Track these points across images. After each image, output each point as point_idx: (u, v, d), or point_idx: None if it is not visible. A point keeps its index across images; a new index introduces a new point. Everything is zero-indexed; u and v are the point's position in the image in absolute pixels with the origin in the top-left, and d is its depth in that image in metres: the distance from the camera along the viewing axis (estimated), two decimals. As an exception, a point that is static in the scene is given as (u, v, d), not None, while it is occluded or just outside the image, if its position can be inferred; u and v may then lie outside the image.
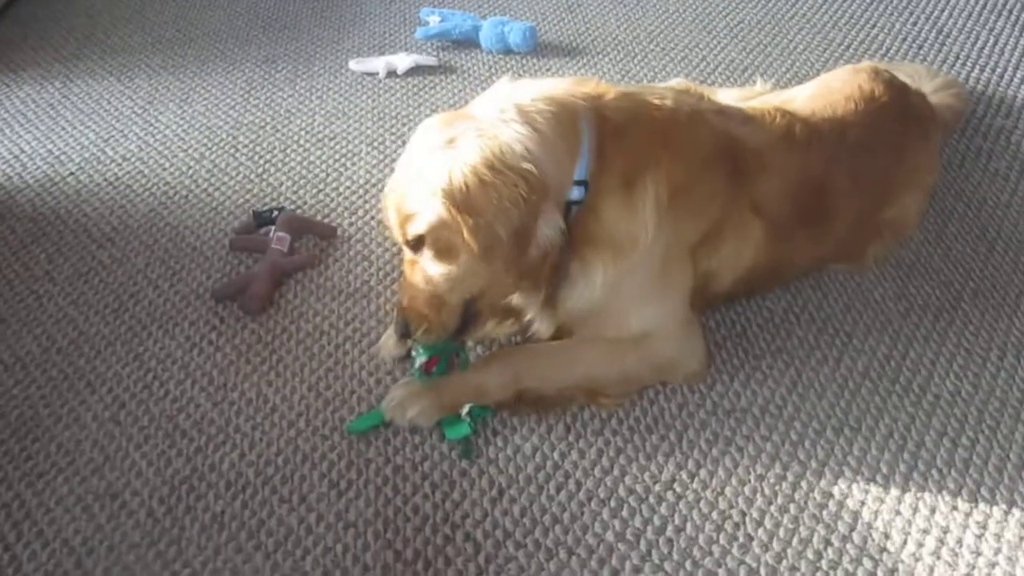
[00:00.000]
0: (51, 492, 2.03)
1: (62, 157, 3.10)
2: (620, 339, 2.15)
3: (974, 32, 3.62)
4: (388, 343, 2.30)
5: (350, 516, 1.96)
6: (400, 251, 2.32)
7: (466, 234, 1.89)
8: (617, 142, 2.01)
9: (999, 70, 3.38)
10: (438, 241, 1.96)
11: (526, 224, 1.91)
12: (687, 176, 2.08)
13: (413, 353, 2.21)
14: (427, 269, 2.01)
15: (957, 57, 3.47)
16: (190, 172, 3.01)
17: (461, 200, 1.88)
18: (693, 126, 2.13)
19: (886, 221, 2.48)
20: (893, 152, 2.44)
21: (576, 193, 2.00)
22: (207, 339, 2.39)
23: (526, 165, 1.89)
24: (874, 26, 3.70)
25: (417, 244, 1.99)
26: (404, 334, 2.08)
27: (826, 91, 2.53)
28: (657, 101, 2.12)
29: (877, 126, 2.42)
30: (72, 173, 3.02)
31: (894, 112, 2.49)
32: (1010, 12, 3.72)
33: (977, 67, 3.41)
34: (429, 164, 1.92)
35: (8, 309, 2.50)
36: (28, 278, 2.60)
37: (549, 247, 1.98)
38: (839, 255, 2.44)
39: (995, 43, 3.55)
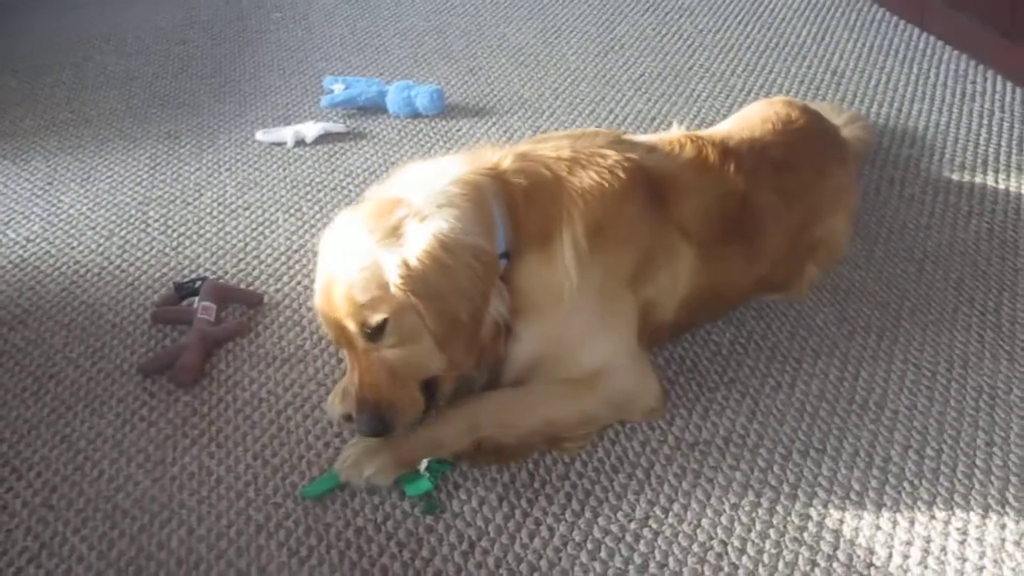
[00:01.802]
0: (-18, 587, 1.87)
1: (-41, 243, 2.95)
2: (575, 380, 2.11)
3: (867, 72, 3.72)
4: (334, 403, 2.20)
5: (315, 583, 1.85)
6: (338, 351, 2.29)
7: (428, 320, 1.90)
8: (526, 206, 2.05)
9: (896, 104, 3.48)
10: (400, 327, 1.93)
11: (482, 301, 1.95)
12: (602, 214, 2.08)
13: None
14: (388, 356, 1.96)
15: (855, 95, 3.56)
16: (100, 249, 2.88)
17: (421, 285, 1.87)
18: (597, 166, 2.14)
19: (816, 242, 2.50)
20: (815, 172, 2.49)
21: (503, 264, 2.02)
22: (138, 415, 2.26)
23: (477, 242, 1.92)
24: (771, 71, 3.78)
25: (376, 333, 1.93)
26: (384, 429, 1.99)
27: (743, 119, 2.65)
28: (553, 153, 2.15)
29: (796, 146, 2.48)
30: (-28, 258, 2.87)
31: (812, 135, 2.57)
32: (896, 52, 3.84)
33: (875, 103, 3.50)
34: (378, 254, 1.90)
35: (-87, 401, 2.33)
36: (-67, 367, 2.44)
37: (500, 320, 2.02)
38: (775, 277, 2.44)
39: (888, 81, 3.65)
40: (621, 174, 2.12)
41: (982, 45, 3.68)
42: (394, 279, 1.88)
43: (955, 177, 3.02)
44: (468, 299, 1.92)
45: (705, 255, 2.22)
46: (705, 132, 2.55)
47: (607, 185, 2.09)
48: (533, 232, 2.03)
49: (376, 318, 1.91)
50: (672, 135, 2.39)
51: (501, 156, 2.10)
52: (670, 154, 2.27)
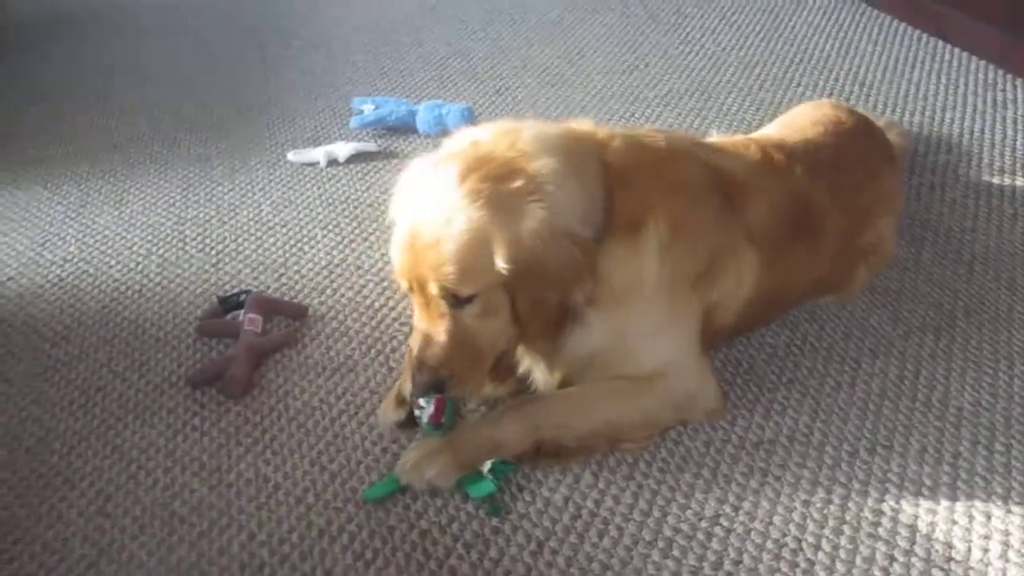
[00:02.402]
0: (42, 594, 1.84)
1: (-4, 264, 2.93)
2: (636, 380, 2.07)
3: (895, 83, 3.72)
4: (386, 411, 2.16)
5: (383, 586, 1.81)
6: (404, 299, 2.22)
7: (520, 300, 1.87)
8: (622, 190, 1.98)
9: (927, 113, 3.47)
10: (487, 302, 1.88)
11: (574, 288, 1.90)
12: (686, 213, 2.06)
13: (417, 412, 2.08)
14: (469, 325, 1.91)
15: (885, 105, 3.55)
16: (139, 268, 2.86)
17: (525, 268, 1.82)
18: (686, 164, 2.13)
19: (867, 245, 2.48)
20: (867, 173, 2.49)
21: None
22: (190, 425, 2.23)
23: (584, 231, 1.88)
24: (799, 85, 3.78)
25: (461, 302, 1.88)
26: (434, 390, 1.94)
27: (791, 122, 2.65)
28: (650, 144, 2.11)
29: (847, 148, 2.48)
30: (11, 278, 2.85)
31: (860, 136, 2.56)
32: (922, 63, 3.84)
33: (907, 112, 3.49)
34: (489, 227, 1.82)
35: (-38, 416, 2.30)
36: (-21, 383, 2.41)
37: (574, 305, 1.96)
38: (830, 279, 2.42)
39: (916, 91, 3.64)
40: (704, 175, 2.11)
41: (1005, 53, 3.68)
42: (502, 258, 1.81)
43: (995, 181, 3.01)
44: (563, 285, 1.88)
45: (768, 258, 2.20)
46: (757, 135, 2.53)
47: (692, 184, 2.08)
48: (623, 219, 1.96)
49: (468, 290, 1.85)
50: (735, 138, 2.38)
51: (607, 136, 2.04)
52: (739, 156, 2.26)
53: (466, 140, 1.96)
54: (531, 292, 1.86)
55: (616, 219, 1.96)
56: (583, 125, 2.09)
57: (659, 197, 2.02)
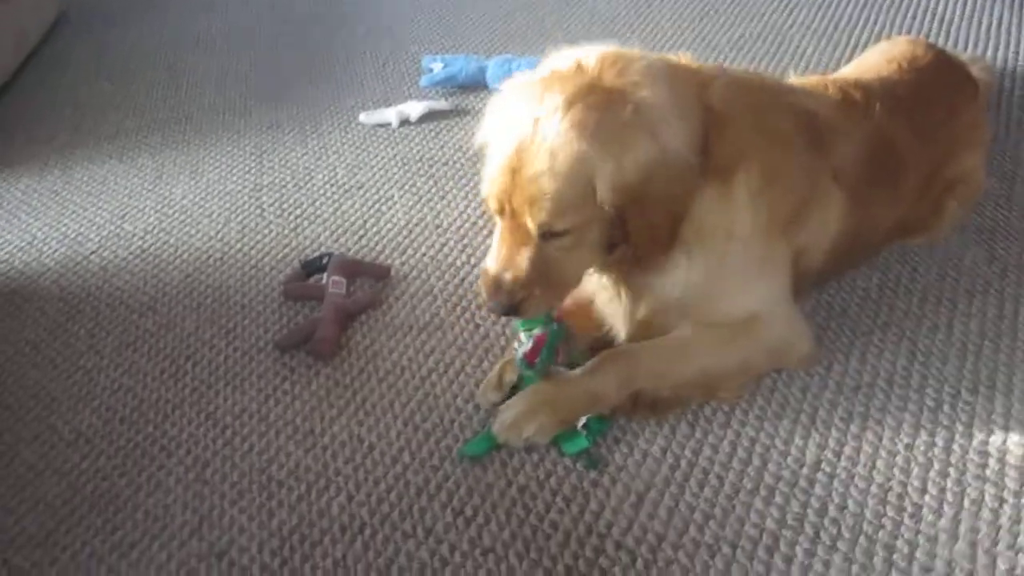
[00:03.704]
0: (148, 560, 1.88)
1: (79, 238, 2.95)
2: (730, 326, 2.03)
3: (975, 18, 3.61)
4: (487, 391, 2.12)
5: (485, 542, 1.80)
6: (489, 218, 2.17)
7: (630, 223, 1.82)
8: (719, 133, 1.89)
9: (1012, 48, 3.36)
10: (581, 235, 1.83)
11: (683, 210, 1.87)
12: (778, 159, 2.00)
13: (516, 344, 2.06)
14: (555, 255, 1.86)
15: (967, 41, 3.45)
16: (219, 236, 2.87)
17: (631, 199, 1.77)
18: (778, 107, 2.07)
19: (953, 180, 2.41)
20: (945, 107, 2.41)
21: None
22: (281, 389, 2.24)
23: (691, 159, 1.81)
24: (876, 24, 3.68)
25: (554, 235, 1.83)
26: (508, 312, 1.90)
27: (865, 61, 2.59)
28: (748, 86, 2.04)
29: (925, 83, 2.40)
30: (94, 251, 2.88)
31: (939, 71, 2.49)
32: (1003, -2, 3.73)
33: (990, 48, 3.38)
34: (594, 159, 1.75)
35: (57, 387, 2.34)
36: (71, 355, 2.44)
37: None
38: (915, 218, 2.36)
39: (998, 25, 3.53)
40: (795, 120, 2.05)
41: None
42: (606, 191, 1.76)
43: (1085, 113, 2.91)
44: (670, 210, 1.84)
45: (853, 200, 2.14)
46: (835, 75, 2.47)
47: (784, 131, 2.02)
48: (718, 161, 1.89)
49: (564, 224, 1.80)
50: (813, 78, 2.32)
51: (709, 75, 1.96)
52: (821, 97, 2.19)
53: (571, 62, 1.85)
54: (639, 218, 1.81)
55: (711, 162, 1.88)
56: (684, 59, 2.01)
57: (753, 144, 1.95)
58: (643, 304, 2.04)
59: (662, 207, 1.82)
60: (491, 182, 1.84)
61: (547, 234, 1.82)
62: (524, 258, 1.85)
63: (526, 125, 1.78)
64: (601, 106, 1.75)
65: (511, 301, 1.87)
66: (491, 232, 2.04)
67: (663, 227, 1.86)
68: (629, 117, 1.75)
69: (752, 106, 1.98)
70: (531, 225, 1.81)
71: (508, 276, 1.86)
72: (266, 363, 2.32)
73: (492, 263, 1.90)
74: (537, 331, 2.00)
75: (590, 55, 1.85)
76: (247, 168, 3.25)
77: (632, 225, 1.82)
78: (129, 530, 1.93)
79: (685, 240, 1.93)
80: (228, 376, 2.30)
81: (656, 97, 1.79)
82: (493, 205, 1.87)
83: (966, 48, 3.39)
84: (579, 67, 1.82)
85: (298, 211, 2.94)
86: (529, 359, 2.00)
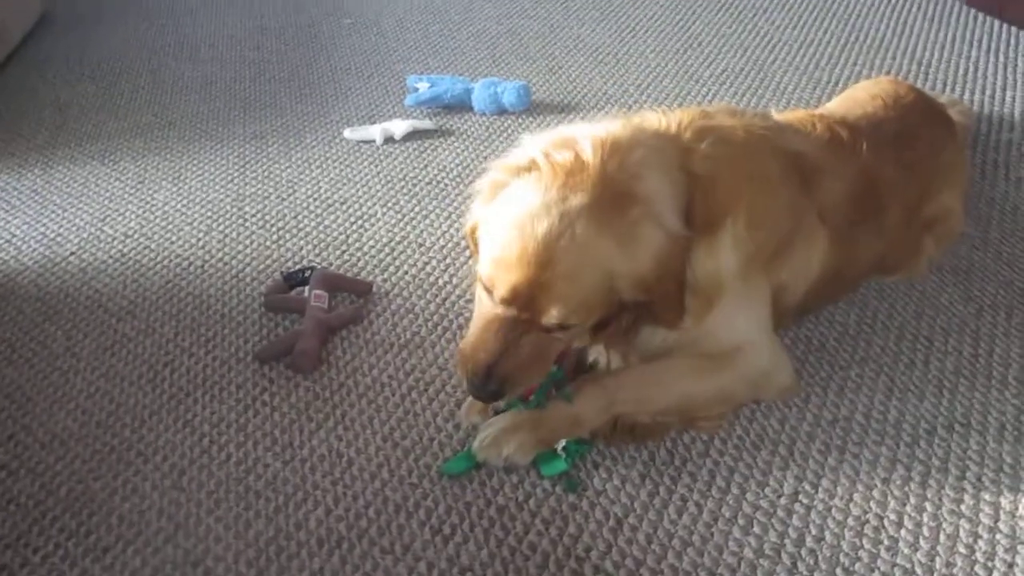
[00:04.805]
0: (121, 566, 1.85)
1: (58, 239, 2.93)
2: (712, 356, 2.05)
3: (952, 62, 3.68)
4: (469, 413, 2.11)
5: (463, 561, 1.81)
6: (468, 277, 2.26)
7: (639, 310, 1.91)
8: (703, 196, 1.90)
9: (987, 92, 3.43)
10: (588, 323, 1.89)
11: (681, 276, 1.91)
12: (763, 204, 2.02)
13: None
14: (551, 341, 1.88)
15: (944, 84, 3.52)
16: (200, 244, 2.86)
17: (644, 289, 1.84)
18: (763, 152, 2.09)
19: (932, 219, 2.47)
20: (928, 147, 2.46)
21: None
22: (260, 400, 2.23)
23: (685, 232, 1.85)
24: (855, 64, 3.74)
25: (560, 328, 1.84)
26: (494, 398, 1.91)
27: (850, 98, 2.65)
28: (729, 138, 2.03)
29: (908, 122, 2.47)
30: (73, 253, 2.85)
31: (921, 111, 2.55)
32: (979, 42, 3.81)
33: (966, 91, 3.45)
34: (614, 261, 1.78)
35: (33, 387, 2.31)
36: (48, 356, 2.42)
37: None
38: (894, 255, 2.40)
39: (975, 70, 3.61)
40: (780, 163, 2.08)
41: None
42: (628, 288, 1.82)
43: (1061, 159, 2.97)
44: (676, 279, 1.88)
45: (837, 237, 2.18)
46: (821, 111, 2.51)
47: (769, 172, 2.05)
48: (702, 220, 1.89)
49: (580, 319, 1.84)
50: (797, 113, 2.36)
51: (691, 139, 1.96)
52: (808, 135, 2.23)
53: (567, 151, 1.85)
54: (654, 297, 1.86)
55: (696, 220, 1.88)
56: (661, 121, 2.01)
57: (738, 194, 1.96)
58: (631, 354, 2.08)
59: (671, 280, 1.86)
60: (508, 274, 1.79)
61: (556, 326, 1.83)
62: (523, 344, 1.84)
63: (550, 222, 1.77)
64: (617, 205, 1.79)
65: (501, 388, 1.87)
66: (472, 255, 2.05)
67: (674, 296, 1.89)
68: (638, 215, 1.79)
69: (735, 158, 1.99)
70: (544, 318, 1.81)
71: (505, 363, 1.84)
72: (245, 373, 2.31)
73: (482, 353, 1.85)
74: None
75: (583, 140, 1.85)
76: (230, 177, 3.24)
77: (653, 304, 1.87)
78: (103, 534, 1.91)
79: None
80: (207, 385, 2.29)
81: (655, 185, 1.84)
82: (505, 294, 1.81)
83: (944, 91, 3.46)
84: (578, 160, 1.83)
85: (280, 223, 2.94)
86: (524, 396, 2.01)
